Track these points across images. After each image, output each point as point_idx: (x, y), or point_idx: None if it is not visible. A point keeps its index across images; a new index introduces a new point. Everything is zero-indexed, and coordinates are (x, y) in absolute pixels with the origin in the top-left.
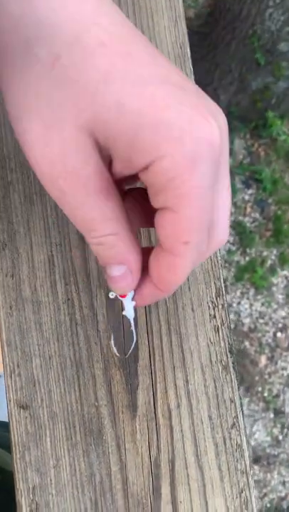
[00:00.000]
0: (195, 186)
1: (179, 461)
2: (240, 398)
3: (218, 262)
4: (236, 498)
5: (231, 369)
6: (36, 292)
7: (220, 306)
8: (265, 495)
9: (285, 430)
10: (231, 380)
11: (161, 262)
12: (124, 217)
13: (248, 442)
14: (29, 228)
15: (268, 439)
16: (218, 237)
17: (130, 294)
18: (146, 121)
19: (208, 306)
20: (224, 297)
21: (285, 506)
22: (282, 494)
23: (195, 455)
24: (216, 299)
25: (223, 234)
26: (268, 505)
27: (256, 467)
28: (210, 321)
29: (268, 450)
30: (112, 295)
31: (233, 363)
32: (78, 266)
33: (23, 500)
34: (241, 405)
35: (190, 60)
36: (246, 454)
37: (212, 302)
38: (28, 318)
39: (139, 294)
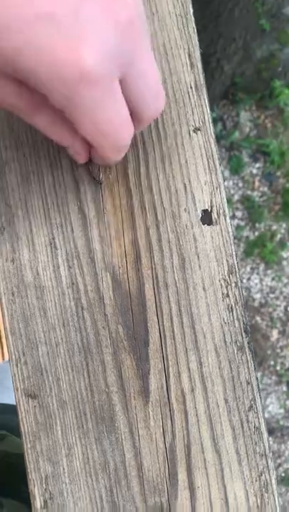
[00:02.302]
0: (81, 115)
1: (195, 445)
2: (257, 379)
3: (229, 237)
4: (256, 481)
5: (247, 349)
6: (39, 277)
7: (233, 284)
8: (280, 465)
9: None
10: (247, 361)
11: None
12: (57, 119)
13: (265, 424)
14: (27, 210)
15: (282, 411)
16: (147, 113)
17: None
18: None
19: (221, 285)
20: (237, 275)
21: None
22: None
23: (211, 439)
24: (229, 276)
25: (152, 112)
26: (283, 474)
27: (270, 439)
28: (223, 300)
29: (281, 422)
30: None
31: (248, 343)
32: (81, 247)
33: (36, 490)
34: (258, 387)
35: (192, 19)
36: (265, 436)
37: (224, 280)
38: (32, 304)
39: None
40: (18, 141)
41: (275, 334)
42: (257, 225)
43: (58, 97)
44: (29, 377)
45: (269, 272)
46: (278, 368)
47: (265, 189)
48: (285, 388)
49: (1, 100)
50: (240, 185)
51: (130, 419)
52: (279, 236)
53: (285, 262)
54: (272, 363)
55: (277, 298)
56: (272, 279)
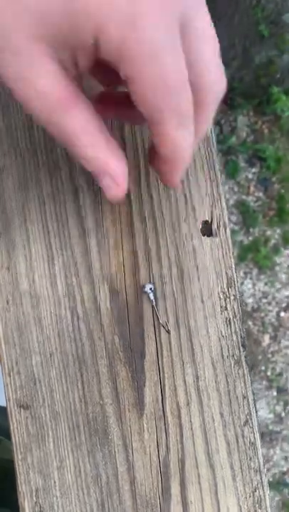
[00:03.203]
0: (142, 49)
1: (190, 460)
2: (253, 393)
3: (229, 250)
4: (249, 497)
5: (244, 363)
6: (35, 285)
7: (232, 297)
8: (268, 470)
9: (288, 407)
10: (244, 375)
11: (154, 139)
12: (99, 127)
13: (261, 439)
14: (25, 217)
15: (271, 416)
16: (210, 89)
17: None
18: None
19: (219, 297)
20: (236, 288)
21: (287, 480)
22: (284, 469)
23: (206, 453)
24: (228, 289)
25: (214, 77)
26: (271, 479)
27: None
28: (221, 313)
29: (270, 427)
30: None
31: (245, 357)
32: (79, 256)
33: (26, 503)
34: (254, 401)
35: None
36: (259, 452)
37: (223, 293)
38: (27, 313)
39: (159, 173)
40: (18, 148)
41: (266, 339)
42: (251, 229)
43: (115, 40)
44: (22, 388)
45: (262, 276)
46: (269, 373)
47: (260, 194)
48: (275, 393)
49: (30, 86)
50: (236, 189)
51: (124, 432)
52: (273, 241)
53: (278, 268)
54: (263, 368)
55: (269, 303)
56: (265, 284)
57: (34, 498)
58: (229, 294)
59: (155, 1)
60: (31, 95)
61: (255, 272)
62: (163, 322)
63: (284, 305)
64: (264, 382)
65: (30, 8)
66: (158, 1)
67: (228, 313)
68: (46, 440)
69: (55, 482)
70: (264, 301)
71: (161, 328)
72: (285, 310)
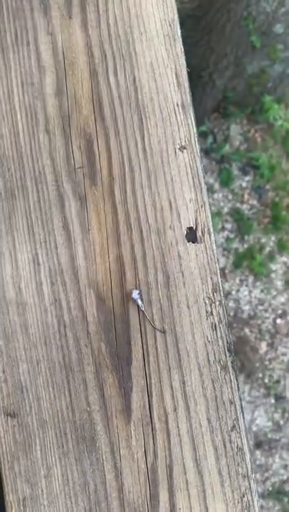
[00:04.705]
0: None
1: (177, 466)
2: (240, 399)
3: (214, 255)
4: (238, 503)
5: (230, 369)
6: (21, 293)
7: (217, 303)
8: (267, 479)
9: (286, 415)
10: (231, 381)
11: None
12: None
13: (248, 444)
14: (11, 225)
15: (269, 424)
16: None
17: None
18: None
19: (205, 303)
20: (221, 293)
21: (287, 489)
22: (284, 477)
23: (194, 460)
24: (213, 294)
25: None
26: (270, 488)
27: (258, 452)
28: (207, 319)
29: (269, 435)
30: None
31: (232, 362)
32: (65, 264)
33: None
34: (242, 406)
35: (180, 40)
36: (247, 457)
37: (209, 298)
38: (13, 321)
39: None
40: (4, 156)
41: (263, 346)
42: (246, 237)
43: None
44: (9, 396)
45: (258, 283)
46: (266, 380)
47: (255, 202)
48: (273, 401)
49: None
50: (230, 197)
51: (112, 439)
52: (268, 248)
53: (273, 275)
54: (260, 375)
55: (266, 310)
56: (261, 291)
57: (22, 508)
58: (214, 299)
59: None
60: None
61: (250, 279)
62: (154, 324)
63: (280, 312)
64: (262, 390)
65: None
66: None
67: (213, 319)
68: (33, 448)
69: (42, 491)
70: (260, 308)
71: (148, 334)
72: (281, 317)
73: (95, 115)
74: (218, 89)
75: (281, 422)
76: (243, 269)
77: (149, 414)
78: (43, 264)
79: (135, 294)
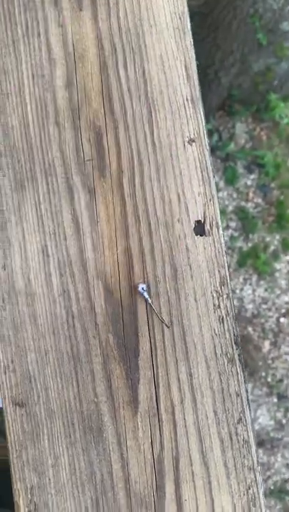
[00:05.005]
0: None
1: (184, 458)
2: (247, 391)
3: (222, 249)
4: (244, 495)
5: (237, 361)
6: (30, 284)
7: (224, 296)
8: (269, 477)
9: None
10: (237, 373)
11: None
12: None
13: (255, 437)
14: (21, 216)
15: (272, 422)
16: None
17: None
18: None
19: (212, 296)
20: (229, 286)
21: (288, 488)
22: (286, 476)
23: (200, 451)
24: (221, 288)
25: None
26: (272, 487)
27: (260, 451)
28: (214, 312)
29: (271, 434)
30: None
31: (239, 355)
32: (74, 255)
33: (21, 501)
34: (248, 399)
35: (190, 33)
36: (253, 449)
37: (216, 291)
38: (22, 311)
39: None
40: (14, 147)
41: (266, 345)
42: (251, 235)
43: None
44: (17, 385)
45: (262, 282)
46: (269, 379)
47: (260, 200)
48: (275, 400)
49: None
50: (235, 196)
51: (118, 430)
52: (272, 247)
53: (277, 274)
54: (263, 374)
55: (269, 309)
56: (265, 290)
57: (29, 496)
58: (222, 292)
59: None
60: None
61: (254, 277)
62: (161, 317)
63: (284, 311)
64: (264, 389)
65: None
66: None
67: (221, 312)
68: (41, 438)
69: (49, 479)
70: (264, 306)
71: (155, 326)
72: (284, 316)
73: (105, 108)
74: (223, 87)
75: (284, 421)
76: (247, 267)
77: (156, 406)
78: (52, 255)
79: (141, 288)
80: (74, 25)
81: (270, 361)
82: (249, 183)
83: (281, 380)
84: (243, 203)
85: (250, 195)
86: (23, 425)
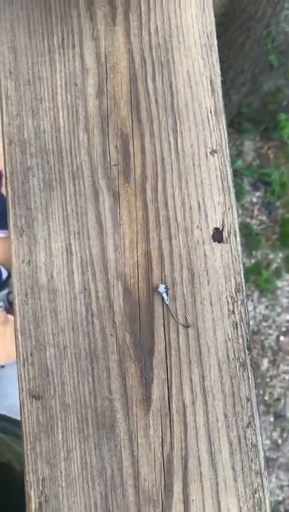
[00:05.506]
0: None
1: (193, 458)
2: (257, 396)
3: (238, 256)
4: (250, 498)
5: (249, 367)
6: (53, 280)
7: (239, 302)
8: None
9: (285, 434)
10: (248, 378)
11: None
12: None
13: (263, 442)
14: (47, 215)
15: (267, 442)
16: None
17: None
18: None
19: (227, 301)
20: (244, 293)
21: (282, 510)
22: (280, 498)
23: (209, 453)
24: (236, 294)
25: None
26: None
27: None
28: (228, 317)
29: (266, 453)
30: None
31: (250, 361)
32: (96, 255)
33: (32, 492)
34: (258, 404)
35: (216, 50)
36: (261, 454)
37: (231, 297)
38: (44, 306)
39: None
40: (44, 149)
41: (265, 363)
42: (254, 252)
43: None
44: (35, 378)
45: (263, 299)
46: (267, 397)
47: (264, 218)
48: (272, 419)
49: None
50: (240, 212)
51: (130, 427)
52: (275, 265)
53: (279, 292)
54: (261, 392)
55: (269, 327)
56: (266, 307)
57: (40, 488)
58: (237, 298)
59: None
60: None
61: (256, 294)
62: (177, 319)
63: (284, 329)
64: (261, 407)
65: None
66: None
67: (235, 317)
68: (55, 431)
69: (61, 472)
70: (264, 324)
71: (171, 327)
72: (284, 334)
73: (132, 117)
74: (233, 105)
75: (279, 441)
76: (249, 284)
77: (168, 406)
78: (76, 254)
79: (162, 288)
80: (107, 39)
81: (268, 379)
82: (254, 200)
83: (279, 399)
84: (247, 220)
85: (255, 212)
86: (38, 418)
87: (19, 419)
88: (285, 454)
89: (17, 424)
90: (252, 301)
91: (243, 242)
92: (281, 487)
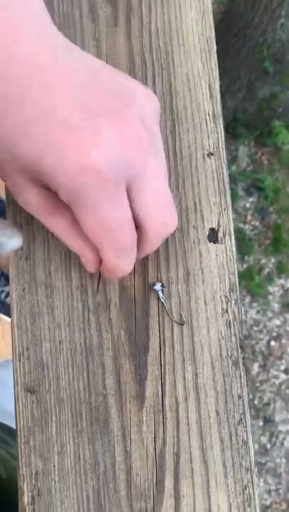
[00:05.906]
0: (84, 211)
1: (184, 454)
2: (248, 394)
3: (233, 257)
4: (239, 494)
5: (241, 365)
6: (50, 276)
7: (233, 301)
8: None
9: (274, 439)
10: (240, 376)
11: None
12: (72, 227)
13: (253, 440)
14: None
15: (256, 446)
16: (154, 232)
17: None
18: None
19: (221, 301)
20: (237, 292)
21: None
22: (268, 502)
23: (200, 449)
24: (230, 293)
25: (156, 224)
26: None
27: None
28: (222, 316)
29: (255, 458)
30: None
31: (243, 359)
32: None
33: (25, 486)
34: (249, 402)
35: (215, 55)
36: (251, 451)
37: (225, 297)
38: (41, 301)
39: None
40: None
41: (255, 368)
42: (246, 257)
43: (66, 190)
44: (30, 372)
45: (255, 304)
46: (256, 402)
47: (257, 223)
48: (261, 423)
49: (22, 201)
50: (233, 217)
51: (124, 423)
52: (267, 270)
53: (270, 297)
54: (250, 396)
55: (260, 331)
56: (257, 312)
57: (33, 481)
58: (231, 298)
59: (99, 175)
60: (28, 205)
61: (247, 299)
62: (172, 316)
63: (274, 334)
64: (251, 412)
65: (18, 158)
66: (102, 174)
67: (228, 316)
68: (49, 425)
69: (54, 466)
70: (255, 329)
71: (166, 325)
72: (275, 339)
73: None
74: (228, 110)
75: (268, 446)
76: (240, 289)
77: (161, 402)
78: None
79: (158, 286)
80: (108, 40)
81: (258, 384)
82: (248, 205)
83: (268, 404)
84: (240, 225)
85: (249, 217)
86: (32, 411)
87: (3, 422)
88: (273, 459)
89: (2, 427)
90: (243, 305)
91: (235, 247)
92: (269, 491)
